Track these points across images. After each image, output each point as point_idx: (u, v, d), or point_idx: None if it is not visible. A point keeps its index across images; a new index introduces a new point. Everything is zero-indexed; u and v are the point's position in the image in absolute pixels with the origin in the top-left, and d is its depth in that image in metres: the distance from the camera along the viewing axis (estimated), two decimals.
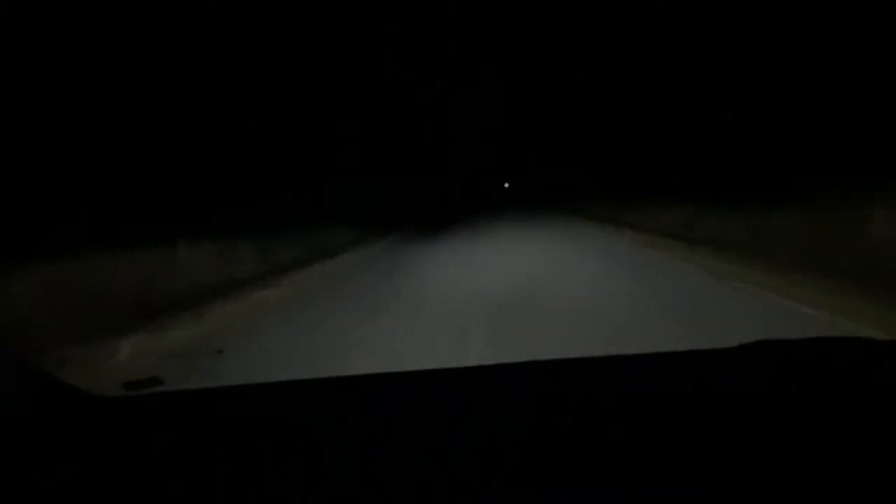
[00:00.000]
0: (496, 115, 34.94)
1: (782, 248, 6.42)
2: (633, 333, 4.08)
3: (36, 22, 5.46)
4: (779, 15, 8.89)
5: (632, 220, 12.91)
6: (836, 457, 0.78)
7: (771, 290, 5.21)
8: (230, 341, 4.75)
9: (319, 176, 13.63)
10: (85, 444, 0.98)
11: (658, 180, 13.93)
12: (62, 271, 4.96)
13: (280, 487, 0.79)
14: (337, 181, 14.81)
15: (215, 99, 8.78)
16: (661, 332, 4.14)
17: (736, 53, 10.36)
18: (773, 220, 7.34)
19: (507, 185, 48.69)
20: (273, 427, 1.04)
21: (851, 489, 0.70)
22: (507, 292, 5.87)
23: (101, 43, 6.53)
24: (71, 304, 4.79)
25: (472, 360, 3.69)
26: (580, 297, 5.48)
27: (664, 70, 13.79)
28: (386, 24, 17.18)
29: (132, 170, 6.76)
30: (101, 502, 0.78)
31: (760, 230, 7.42)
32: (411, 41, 20.44)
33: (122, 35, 7.03)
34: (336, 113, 14.48)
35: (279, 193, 11.00)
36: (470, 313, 5.13)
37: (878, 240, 5.49)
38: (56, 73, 5.80)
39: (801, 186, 7.18)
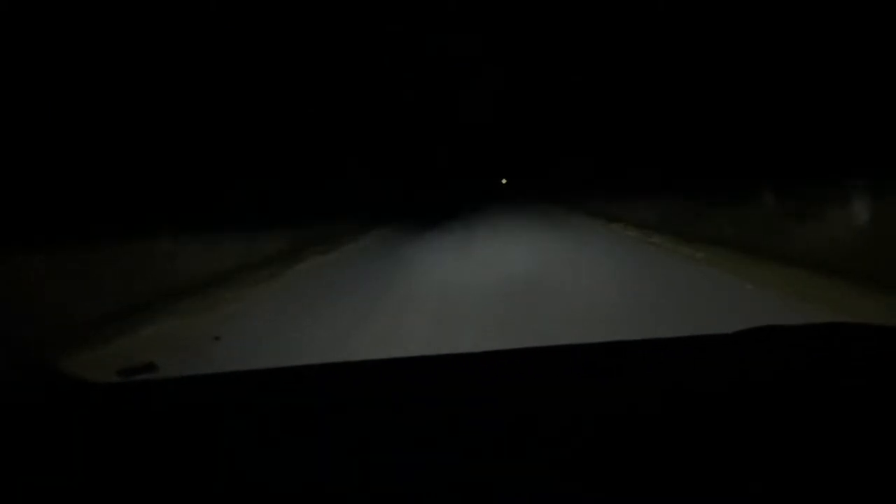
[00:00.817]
0: (495, 114, 34.92)
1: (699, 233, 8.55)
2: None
3: None
4: (774, 20, 8.84)
5: (616, 213, 13.82)
6: (839, 441, 0.78)
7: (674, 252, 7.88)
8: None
9: (326, 174, 13.74)
10: (79, 429, 0.98)
11: (638, 182, 14.32)
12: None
13: (276, 473, 0.78)
14: (341, 179, 14.98)
15: (220, 100, 8.74)
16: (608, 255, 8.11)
17: (730, 61, 10.24)
18: (705, 215, 9.01)
19: (504, 181, 48.44)
20: (269, 413, 1.04)
21: (855, 474, 0.70)
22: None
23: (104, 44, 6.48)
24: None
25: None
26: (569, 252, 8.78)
27: (657, 76, 13.68)
28: (385, 24, 17.13)
29: (125, 166, 6.70)
30: (96, 487, 0.78)
31: (697, 222, 9.13)
32: (410, 40, 20.42)
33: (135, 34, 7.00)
34: (336, 114, 14.44)
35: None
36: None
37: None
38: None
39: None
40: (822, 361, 1.11)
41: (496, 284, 5.95)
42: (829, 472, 0.71)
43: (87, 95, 6.02)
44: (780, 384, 1.02)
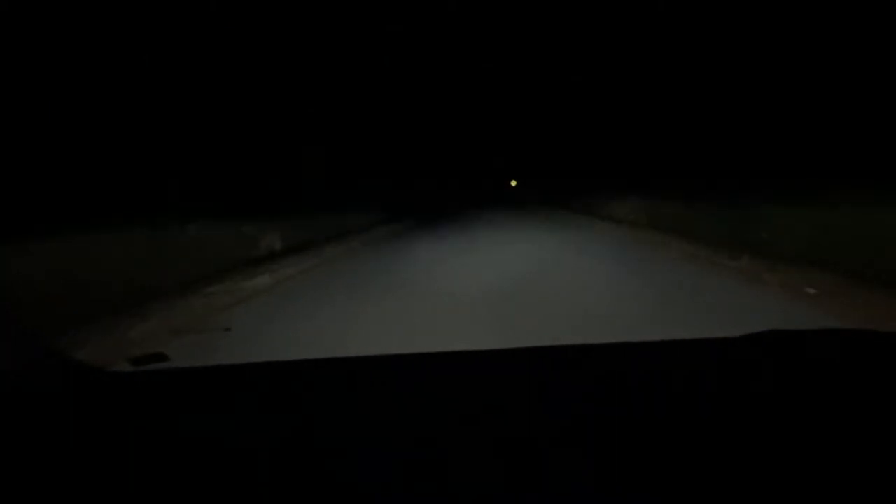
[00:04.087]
0: (495, 116, 34.60)
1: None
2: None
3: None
4: (773, 23, 8.61)
5: (608, 211, 16.10)
6: (841, 445, 0.79)
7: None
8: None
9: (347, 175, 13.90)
10: (90, 415, 0.99)
11: (622, 182, 15.49)
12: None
13: (283, 465, 0.79)
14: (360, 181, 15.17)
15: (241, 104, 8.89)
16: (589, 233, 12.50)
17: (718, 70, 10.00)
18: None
19: (513, 183, 47.99)
20: (277, 405, 1.05)
21: (856, 478, 0.71)
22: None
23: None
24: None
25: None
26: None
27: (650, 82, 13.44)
28: (386, 24, 17.03)
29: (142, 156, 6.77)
30: (105, 473, 0.79)
31: (657, 216, 11.93)
32: (412, 40, 20.28)
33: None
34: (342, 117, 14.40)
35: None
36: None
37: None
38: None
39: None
40: (825, 366, 1.11)
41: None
42: (830, 476, 0.72)
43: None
44: (784, 388, 1.02)
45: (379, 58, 16.79)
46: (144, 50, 6.32)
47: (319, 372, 1.29)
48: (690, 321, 4.28)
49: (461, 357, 1.31)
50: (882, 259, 5.25)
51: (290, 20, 10.51)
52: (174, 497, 0.74)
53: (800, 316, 4.35)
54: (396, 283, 6.58)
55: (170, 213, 6.53)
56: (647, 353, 1.32)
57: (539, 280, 6.42)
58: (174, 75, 7.04)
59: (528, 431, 0.87)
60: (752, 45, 9.18)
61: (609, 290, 5.59)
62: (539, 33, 22.51)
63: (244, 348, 3.96)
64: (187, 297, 5.89)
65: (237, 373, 1.29)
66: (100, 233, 5.32)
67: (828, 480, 0.71)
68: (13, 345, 1.10)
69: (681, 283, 6.01)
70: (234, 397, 1.11)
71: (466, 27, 24.07)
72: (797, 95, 8.20)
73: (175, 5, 6.95)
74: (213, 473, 0.79)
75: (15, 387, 1.02)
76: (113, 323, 4.61)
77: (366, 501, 0.71)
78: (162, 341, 4.16)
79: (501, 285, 5.92)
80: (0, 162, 4.96)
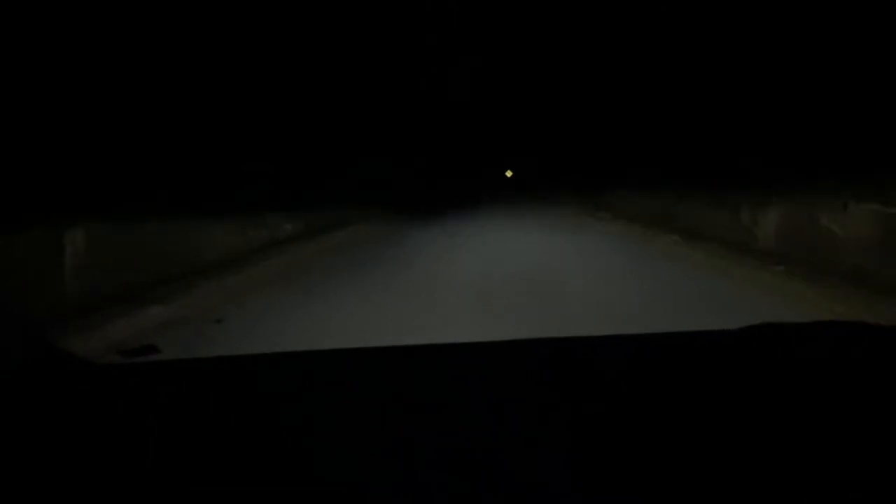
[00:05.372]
0: (492, 114, 34.38)
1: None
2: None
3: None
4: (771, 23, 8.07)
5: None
6: (838, 439, 0.78)
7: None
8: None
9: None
10: (78, 409, 0.98)
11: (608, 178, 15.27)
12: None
13: (275, 459, 0.78)
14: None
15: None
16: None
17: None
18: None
19: (509, 173, 47.92)
20: (268, 398, 1.04)
21: (854, 473, 0.70)
22: None
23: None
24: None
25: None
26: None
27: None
28: (381, 21, 16.88)
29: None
30: (93, 468, 0.78)
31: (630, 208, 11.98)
32: (408, 36, 20.16)
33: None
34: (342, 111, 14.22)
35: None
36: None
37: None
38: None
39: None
40: (822, 359, 1.11)
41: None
42: (827, 471, 0.71)
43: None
44: (779, 382, 1.02)
45: (375, 51, 16.68)
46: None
47: (314, 363, 1.29)
48: None
49: (457, 350, 1.30)
50: None
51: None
52: (166, 492, 0.72)
53: None
54: None
55: None
56: (638, 345, 1.31)
57: None
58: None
59: (522, 427, 0.86)
60: None
61: None
62: (538, 32, 22.31)
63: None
64: None
65: (230, 365, 1.28)
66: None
67: (824, 478, 0.70)
68: (4, 336, 1.09)
69: None
70: (227, 390, 1.10)
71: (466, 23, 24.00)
72: None
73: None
74: (206, 468, 0.77)
75: (4, 378, 1.00)
76: None
77: (362, 498, 0.70)
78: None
79: None
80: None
